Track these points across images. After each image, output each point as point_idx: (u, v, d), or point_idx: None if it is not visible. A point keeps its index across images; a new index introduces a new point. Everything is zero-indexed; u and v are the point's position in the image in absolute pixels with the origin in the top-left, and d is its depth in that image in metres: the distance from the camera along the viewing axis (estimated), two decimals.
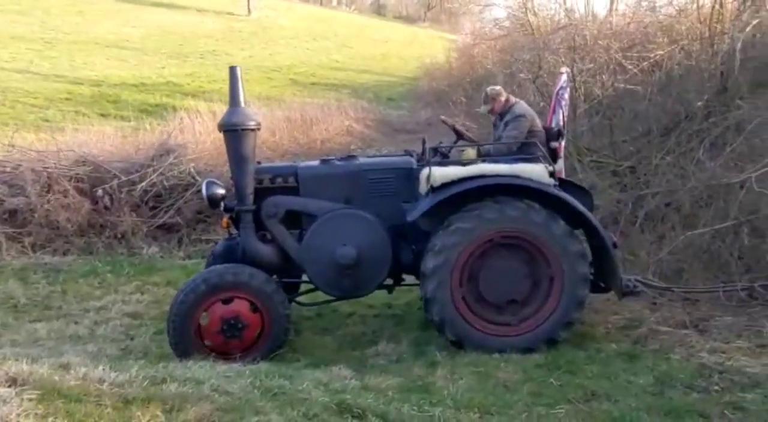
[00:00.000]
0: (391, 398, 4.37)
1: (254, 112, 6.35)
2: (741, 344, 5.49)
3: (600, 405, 4.47)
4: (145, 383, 3.96)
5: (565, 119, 6.54)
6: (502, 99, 6.40)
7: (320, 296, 6.43)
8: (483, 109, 6.58)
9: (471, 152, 6.28)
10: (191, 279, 5.84)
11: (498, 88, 6.60)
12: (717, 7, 9.59)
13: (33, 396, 3.51)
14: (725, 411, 4.30)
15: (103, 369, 4.07)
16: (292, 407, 3.93)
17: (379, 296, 6.82)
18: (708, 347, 5.50)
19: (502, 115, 6.39)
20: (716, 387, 4.70)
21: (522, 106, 6.42)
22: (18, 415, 3.31)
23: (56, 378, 3.79)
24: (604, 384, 4.81)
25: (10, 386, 3.60)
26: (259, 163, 6.36)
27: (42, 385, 3.64)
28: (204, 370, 4.46)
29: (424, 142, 6.33)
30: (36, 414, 3.36)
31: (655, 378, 4.88)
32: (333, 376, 4.69)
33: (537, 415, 4.28)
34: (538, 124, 6.32)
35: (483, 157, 6.14)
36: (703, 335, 5.83)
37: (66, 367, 4.09)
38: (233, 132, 5.95)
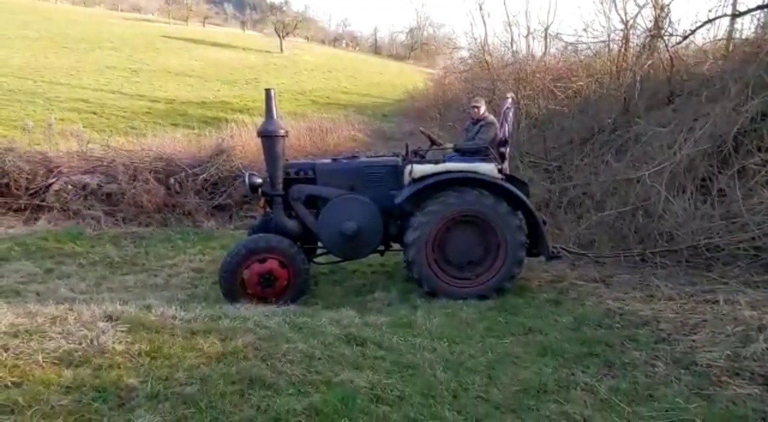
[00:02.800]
0: (384, 331, 4.36)
1: (284, 123, 6.28)
2: (635, 294, 5.49)
3: (534, 337, 4.48)
4: (206, 319, 3.97)
5: (511, 131, 6.50)
6: (483, 108, 6.38)
7: (332, 258, 6.41)
8: (473, 111, 6.44)
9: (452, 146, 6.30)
10: (234, 246, 5.76)
11: (483, 100, 6.58)
12: (623, 51, 9.56)
13: (124, 329, 3.52)
14: (624, 342, 4.32)
15: (175, 309, 4.08)
16: (313, 337, 3.92)
17: (375, 258, 6.82)
18: (612, 296, 5.51)
19: (476, 121, 6.35)
20: (617, 325, 4.71)
21: (492, 117, 6.43)
22: (113, 342, 3.32)
23: (141, 315, 3.79)
24: (537, 322, 4.82)
25: (107, 321, 3.61)
26: (287, 160, 6.29)
27: (130, 320, 3.65)
28: (249, 310, 4.45)
29: (407, 147, 6.27)
30: (126, 341, 3.37)
31: (574, 318, 4.88)
32: (342, 315, 4.67)
33: (489, 344, 4.28)
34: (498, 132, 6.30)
35: (460, 151, 6.10)
36: (608, 287, 5.83)
37: (148, 307, 4.09)
38: (268, 137, 5.88)
